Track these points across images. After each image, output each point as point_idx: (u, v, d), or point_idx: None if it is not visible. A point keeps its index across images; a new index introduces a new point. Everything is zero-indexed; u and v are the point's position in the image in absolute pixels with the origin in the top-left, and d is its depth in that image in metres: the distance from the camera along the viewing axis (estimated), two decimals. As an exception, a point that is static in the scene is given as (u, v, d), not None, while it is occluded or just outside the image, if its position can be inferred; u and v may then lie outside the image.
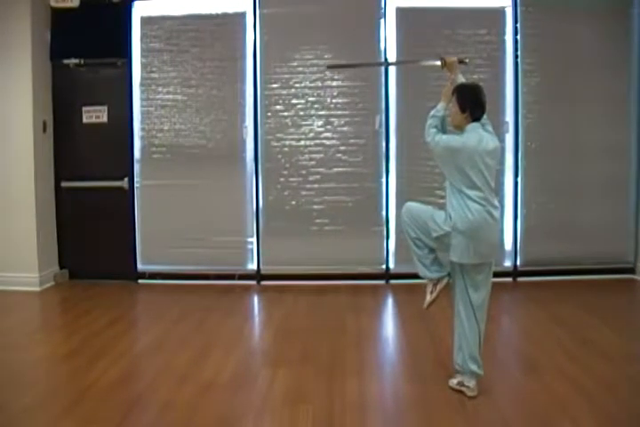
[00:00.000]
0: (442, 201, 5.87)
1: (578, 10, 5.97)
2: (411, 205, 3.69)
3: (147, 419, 3.28)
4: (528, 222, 6.07)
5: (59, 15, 6.06)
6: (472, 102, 3.47)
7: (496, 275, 6.01)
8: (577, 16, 5.97)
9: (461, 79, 3.74)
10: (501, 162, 6.05)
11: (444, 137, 3.48)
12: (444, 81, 5.84)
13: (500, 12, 6.00)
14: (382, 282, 6.06)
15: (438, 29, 5.97)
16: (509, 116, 6.02)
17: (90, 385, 3.67)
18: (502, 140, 6.02)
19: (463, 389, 3.47)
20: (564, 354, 4.04)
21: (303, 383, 3.67)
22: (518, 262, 6.10)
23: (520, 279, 6.06)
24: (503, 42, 6.00)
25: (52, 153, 6.25)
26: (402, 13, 6.00)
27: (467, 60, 3.91)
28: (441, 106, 3.61)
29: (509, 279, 6.05)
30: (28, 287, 5.87)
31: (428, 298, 3.62)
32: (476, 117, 3.48)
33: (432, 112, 3.61)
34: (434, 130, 3.52)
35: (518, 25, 5.95)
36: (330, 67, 3.89)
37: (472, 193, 3.38)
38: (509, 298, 5.70)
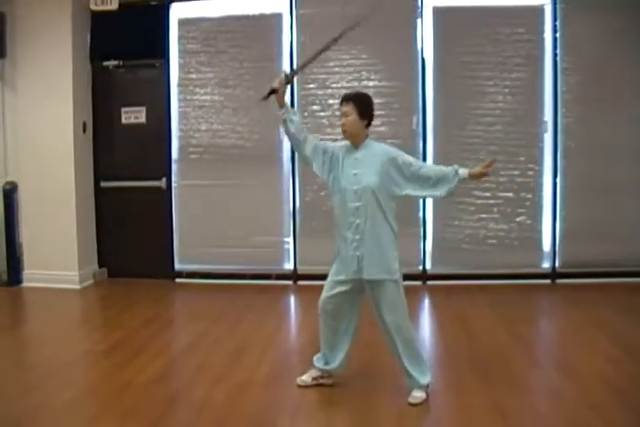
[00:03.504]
0: (479, 202, 5.95)
1: (619, 7, 5.83)
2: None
3: (183, 417, 3.31)
4: (567, 223, 5.96)
5: (98, 18, 6.16)
6: (372, 110, 3.28)
7: (534, 277, 5.99)
8: (618, 13, 5.83)
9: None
10: (540, 162, 5.98)
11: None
12: (482, 80, 5.88)
13: (538, 10, 5.92)
14: (419, 283, 6.00)
15: (476, 28, 5.92)
16: (548, 116, 5.93)
17: (128, 382, 3.72)
18: (541, 140, 5.95)
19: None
20: (603, 358, 3.96)
21: (339, 385, 3.66)
22: (557, 264, 6.00)
23: (559, 281, 5.96)
24: (542, 40, 5.91)
25: (92, 153, 6.36)
26: (439, 13, 5.95)
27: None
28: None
29: (548, 281, 5.96)
30: (68, 285, 5.98)
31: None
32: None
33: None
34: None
35: (557, 23, 5.86)
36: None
37: None
38: (547, 300, 5.63)
